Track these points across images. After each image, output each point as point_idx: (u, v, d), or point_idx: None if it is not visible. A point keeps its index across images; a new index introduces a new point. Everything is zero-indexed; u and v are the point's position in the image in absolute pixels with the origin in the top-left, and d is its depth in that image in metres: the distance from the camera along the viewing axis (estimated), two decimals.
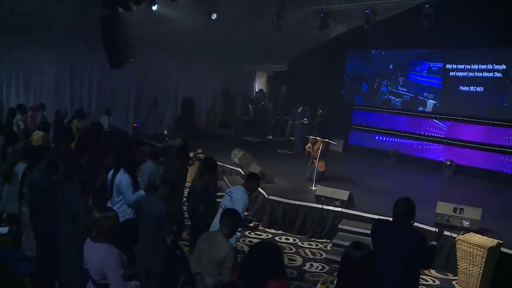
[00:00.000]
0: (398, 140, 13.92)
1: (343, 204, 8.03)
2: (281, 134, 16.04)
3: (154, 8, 10.78)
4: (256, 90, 18.31)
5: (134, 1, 9.00)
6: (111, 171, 5.55)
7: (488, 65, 11.82)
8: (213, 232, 4.24)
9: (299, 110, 14.24)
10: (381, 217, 4.52)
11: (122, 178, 5.34)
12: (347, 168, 12.37)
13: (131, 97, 14.96)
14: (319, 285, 3.12)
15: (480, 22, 10.56)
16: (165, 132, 13.95)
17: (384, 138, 14.34)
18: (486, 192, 10.41)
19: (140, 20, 10.80)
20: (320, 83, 14.92)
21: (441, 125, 12.89)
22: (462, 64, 12.32)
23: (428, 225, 7.29)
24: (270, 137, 15.48)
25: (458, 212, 7.14)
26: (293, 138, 14.87)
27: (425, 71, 13.47)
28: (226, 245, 3.94)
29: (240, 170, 10.81)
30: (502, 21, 9.99)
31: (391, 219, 4.32)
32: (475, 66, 12.03)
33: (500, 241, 6.45)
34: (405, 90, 14.03)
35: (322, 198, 8.19)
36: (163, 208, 4.68)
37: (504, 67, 11.55)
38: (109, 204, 5.43)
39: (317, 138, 9.91)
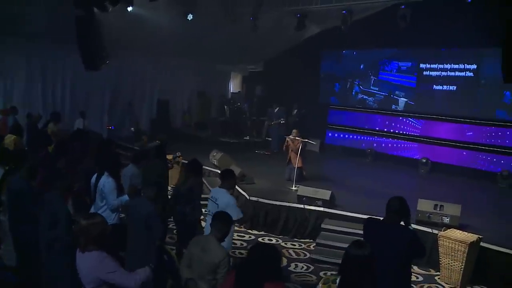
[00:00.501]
0: (374, 139, 14.11)
1: (325, 203, 8.07)
2: (257, 134, 16.04)
3: (130, 9, 10.58)
4: (231, 91, 18.29)
5: (110, 1, 8.80)
6: (95, 175, 5.41)
7: (460, 65, 12.10)
8: (205, 236, 4.17)
9: (276, 110, 14.27)
10: (373, 216, 4.52)
11: (106, 182, 5.21)
12: (325, 168, 12.48)
13: (105, 99, 14.69)
14: (320, 284, 3.12)
15: (452, 23, 10.83)
16: (132, 129, 13.82)
17: (360, 137, 14.52)
18: (462, 189, 10.63)
19: (114, 20, 10.61)
20: (296, 83, 15.01)
21: (416, 124, 13.13)
22: (435, 64, 12.57)
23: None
24: (247, 137, 15.46)
25: (438, 209, 7.27)
26: (269, 139, 14.89)
27: (395, 70, 13.74)
28: (220, 250, 3.87)
29: (219, 171, 10.71)
30: (474, 22, 10.23)
31: (380, 217, 4.35)
32: (448, 66, 12.30)
33: (480, 236, 6.60)
34: (377, 89, 14.25)
35: (304, 198, 8.21)
36: (151, 209, 4.59)
37: (475, 66, 11.85)
38: (92, 209, 5.31)
39: (296, 138, 9.93)
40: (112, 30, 10.25)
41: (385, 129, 13.88)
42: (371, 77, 14.42)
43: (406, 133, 13.37)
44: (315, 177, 10.45)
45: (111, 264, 3.23)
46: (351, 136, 14.78)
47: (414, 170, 12.43)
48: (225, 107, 16.26)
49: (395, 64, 13.73)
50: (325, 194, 8.11)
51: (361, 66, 14.70)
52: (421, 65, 12.89)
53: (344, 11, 10.63)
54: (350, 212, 7.99)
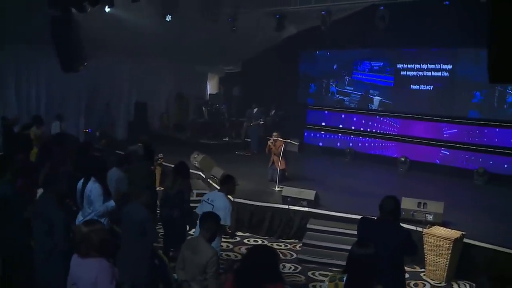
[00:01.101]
0: (353, 138, 14.26)
1: (310, 204, 8.11)
2: (236, 135, 15.99)
3: (108, 9, 10.41)
4: (209, 92, 18.21)
5: (90, 2, 8.62)
6: (81, 181, 5.28)
7: (436, 65, 12.34)
8: (195, 238, 4.18)
9: (254, 111, 14.26)
10: (366, 216, 4.57)
11: (93, 187, 5.10)
12: (305, 168, 12.55)
13: (82, 102, 14.41)
14: (327, 282, 3.14)
15: (428, 24, 11.05)
16: (97, 134, 13.64)
17: (339, 137, 14.65)
18: (440, 186, 10.81)
19: (90, 21, 10.42)
20: (274, 84, 15.04)
21: (394, 123, 13.33)
22: (412, 64, 12.79)
23: None
24: (226, 139, 15.40)
25: (422, 207, 7.40)
26: (249, 140, 14.88)
27: (367, 70, 13.97)
28: (208, 250, 3.91)
29: (201, 173, 10.67)
30: (449, 23, 10.44)
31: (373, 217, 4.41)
32: (424, 66, 12.53)
33: (463, 232, 6.75)
34: (352, 89, 14.43)
35: (289, 199, 8.24)
36: (146, 214, 4.53)
37: (451, 66, 12.11)
38: (79, 215, 5.19)
39: (279, 138, 9.96)
40: (88, 31, 10.07)
41: (363, 129, 14.05)
42: (345, 77, 14.60)
43: (384, 132, 13.57)
44: (297, 178, 10.51)
45: (109, 279, 3.16)
46: (329, 136, 14.90)
47: (393, 168, 12.61)
48: (204, 108, 16.17)
49: (368, 64, 13.96)
50: (310, 194, 8.16)
51: (335, 66, 14.89)
52: (398, 65, 13.09)
53: (323, 12, 10.68)
54: (334, 211, 8.06)
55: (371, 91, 13.88)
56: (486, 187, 11.03)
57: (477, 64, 11.52)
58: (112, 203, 5.15)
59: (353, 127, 14.33)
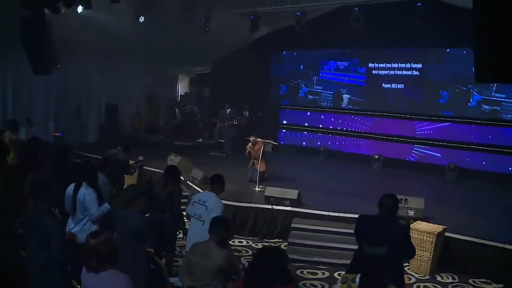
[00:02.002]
0: (326, 137, 14.46)
1: (293, 203, 8.16)
2: (209, 136, 15.93)
3: (80, 10, 10.15)
4: (180, 93, 18.05)
5: (64, 2, 8.39)
6: (71, 186, 5.12)
7: (406, 64, 12.67)
8: (203, 243, 4.09)
9: (228, 111, 14.22)
10: (366, 214, 4.63)
11: (86, 193, 4.96)
12: (281, 168, 12.58)
13: (51, 105, 14.01)
14: (339, 284, 3.16)
15: (398, 24, 11.30)
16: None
17: (312, 136, 14.83)
18: (414, 182, 11.14)
19: (59, 22, 10.14)
20: (245, 85, 15.04)
21: (366, 121, 13.59)
22: (383, 63, 13.09)
23: None
24: (200, 140, 15.30)
25: (403, 203, 7.54)
26: (222, 140, 14.84)
27: (333, 69, 14.30)
28: (221, 252, 3.91)
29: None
30: (418, 24, 10.71)
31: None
32: (395, 65, 12.84)
33: (445, 226, 6.97)
34: (321, 88, 14.65)
35: (272, 199, 8.27)
36: (142, 220, 4.44)
37: (421, 65, 12.46)
38: (70, 222, 5.04)
39: (258, 139, 9.98)
40: (57, 32, 9.80)
41: (337, 127, 14.27)
42: (313, 77, 14.81)
43: (357, 131, 13.81)
44: (274, 177, 10.54)
45: (128, 284, 3.12)
46: (303, 135, 15.05)
47: (367, 166, 12.86)
48: (176, 110, 16.00)
49: (334, 63, 14.27)
50: (293, 193, 8.21)
51: (301, 67, 15.14)
52: (370, 65, 13.36)
53: (298, 13, 10.77)
54: (317, 210, 8.14)
55: (342, 90, 14.12)
56: (457, 182, 11.41)
57: (444, 64, 11.94)
58: (107, 206, 5.05)
59: (326, 126, 14.53)
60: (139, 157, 8.78)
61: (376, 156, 12.78)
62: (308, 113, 14.99)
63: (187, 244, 5.37)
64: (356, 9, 9.93)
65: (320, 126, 14.69)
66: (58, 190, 5.20)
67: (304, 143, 15.04)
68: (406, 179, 11.42)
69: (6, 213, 4.24)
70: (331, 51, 14.26)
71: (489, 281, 6.68)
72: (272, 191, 8.36)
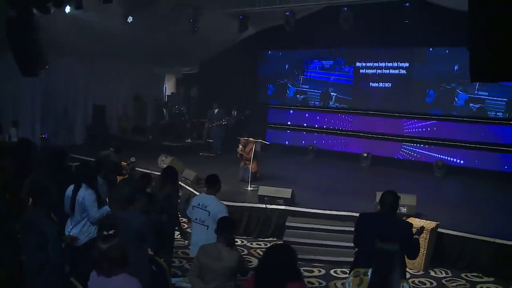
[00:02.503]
0: (315, 136, 14.56)
1: (286, 202, 8.21)
2: (198, 137, 15.90)
3: (68, 10, 10.04)
4: (167, 94, 17.98)
5: (54, 2, 8.29)
6: (71, 187, 5.09)
7: (393, 63, 12.84)
8: (212, 245, 4.09)
9: (216, 111, 14.22)
10: (365, 212, 4.71)
11: (86, 194, 4.93)
12: (271, 167, 12.60)
13: (36, 106, 13.83)
14: (351, 278, 3.22)
15: (385, 24, 11.46)
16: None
17: (301, 135, 14.92)
18: (403, 180, 11.28)
19: (45, 22, 10.03)
20: (234, 84, 15.06)
21: (355, 120, 13.74)
22: (371, 62, 13.24)
23: None
24: (189, 140, 15.25)
25: None
26: (211, 140, 14.83)
27: (318, 68, 14.51)
28: (232, 253, 3.96)
29: None
30: (404, 23, 10.87)
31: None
32: (383, 64, 13.01)
33: (437, 222, 7.10)
34: (307, 87, 14.81)
35: (266, 198, 8.30)
36: (144, 220, 4.44)
37: (408, 64, 12.65)
38: (69, 224, 5.01)
39: (249, 139, 10.01)
40: (43, 32, 9.68)
41: (325, 126, 14.38)
42: (300, 76, 14.94)
43: (345, 129, 13.95)
44: (265, 177, 10.57)
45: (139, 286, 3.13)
46: (291, 135, 15.13)
47: (356, 164, 13.00)
48: (164, 110, 15.94)
49: (319, 62, 14.49)
50: (286, 192, 8.26)
51: (286, 66, 15.31)
52: (357, 64, 13.50)
53: (287, 13, 10.82)
54: (310, 208, 8.21)
55: (330, 90, 14.24)
56: (445, 179, 11.61)
57: (429, 63, 12.15)
58: (107, 208, 5.03)
59: (314, 125, 14.63)
60: (131, 159, 8.74)
61: (365, 154, 12.93)
62: (295, 112, 15.11)
63: (192, 250, 5.33)
64: (346, 9, 10.00)
65: (308, 125, 14.80)
66: (56, 192, 5.17)
67: (290, 142, 15.15)
68: (395, 176, 11.56)
69: (5, 218, 4.17)
70: (318, 51, 14.39)
71: (480, 275, 6.85)
72: (265, 190, 8.40)
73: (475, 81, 4.79)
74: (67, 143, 14.00)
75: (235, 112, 15.11)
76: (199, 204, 5.27)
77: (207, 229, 5.16)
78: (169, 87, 18.42)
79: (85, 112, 15.26)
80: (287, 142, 15.18)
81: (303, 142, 14.76)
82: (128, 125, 16.45)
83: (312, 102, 14.68)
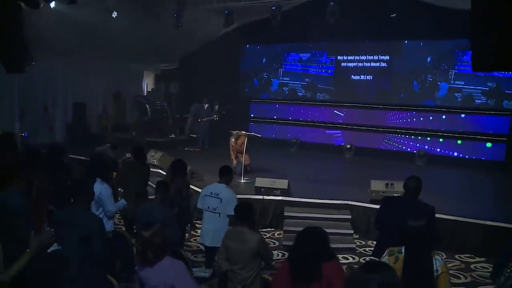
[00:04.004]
0: (298, 129, 14.80)
1: (283, 192, 8.39)
2: (180, 132, 15.91)
3: (53, 5, 9.90)
4: (146, 90, 17.87)
5: None
6: None
7: (374, 56, 13.19)
8: (237, 229, 4.28)
9: (206, 106, 14.29)
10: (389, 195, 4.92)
11: (102, 188, 4.95)
12: (259, 160, 12.77)
13: (15, 105, 13.52)
14: (387, 257, 3.40)
15: (366, 17, 11.73)
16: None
17: (284, 128, 15.13)
18: (387, 169, 11.58)
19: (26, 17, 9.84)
20: (214, 79, 15.12)
21: (337, 112, 14.04)
22: (352, 56, 13.54)
23: (364, 203, 8.09)
24: (172, 136, 15.26)
25: (390, 187, 7.96)
26: (194, 135, 14.88)
27: (296, 61, 14.85)
28: (255, 235, 4.17)
29: (160, 171, 10.55)
30: (384, 17, 11.18)
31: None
32: (364, 57, 13.34)
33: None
34: (288, 79, 15.07)
35: (262, 189, 8.46)
36: (167, 212, 4.52)
37: (388, 57, 13.02)
38: None
39: (241, 132, 10.14)
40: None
41: (308, 119, 14.65)
42: (280, 69, 15.18)
43: (328, 122, 14.24)
44: (255, 169, 10.71)
45: (184, 269, 3.22)
46: (274, 128, 15.32)
47: (339, 155, 13.32)
48: (147, 106, 15.86)
49: (297, 55, 14.80)
50: (283, 183, 8.44)
51: (263, 60, 15.55)
52: (339, 57, 13.80)
53: (273, 7, 10.97)
54: (306, 198, 8.42)
55: (312, 83, 14.49)
56: (427, 167, 12.02)
57: (412, 55, 12.56)
58: (123, 202, 5.08)
59: (297, 118, 14.87)
60: (126, 155, 8.75)
61: (348, 146, 13.25)
62: (277, 106, 15.30)
63: (203, 237, 5.46)
64: (332, 3, 10.21)
65: (291, 118, 15.02)
66: (55, 190, 5.18)
67: (273, 135, 15.31)
68: (379, 166, 11.88)
69: (23, 217, 4.11)
70: (300, 44, 14.60)
71: (472, 255, 7.20)
72: (262, 181, 8.55)
73: (476, 70, 5.05)
74: (47, 142, 13.75)
75: (217, 107, 15.19)
76: (211, 193, 5.41)
77: (219, 216, 5.33)
78: (148, 84, 18.31)
79: (65, 110, 15.01)
80: (269, 136, 15.33)
81: (287, 134, 14.96)
82: (109, 122, 16.27)
83: (297, 95, 14.86)
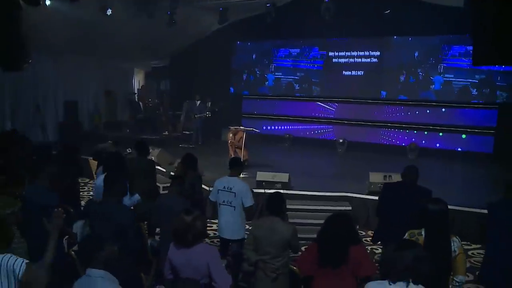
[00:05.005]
0: (290, 124, 15.02)
1: (284, 186, 8.57)
2: (173, 129, 15.98)
3: (48, 3, 9.89)
4: (137, 87, 17.90)
5: None
6: (101, 177, 5.20)
7: (365, 52, 13.46)
8: (266, 219, 4.35)
9: (198, 103, 14.39)
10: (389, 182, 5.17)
11: None
12: (255, 155, 12.96)
13: (6, 103, 13.45)
14: (408, 238, 3.61)
15: (357, 13, 11.96)
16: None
17: (276, 124, 15.33)
18: (379, 162, 11.86)
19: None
20: (207, 76, 15.22)
21: (329, 107, 14.28)
22: (343, 51, 13.79)
23: (362, 194, 8.34)
24: (166, 133, 15.33)
25: (388, 179, 8.20)
26: (187, 132, 14.96)
27: (285, 55, 15.05)
28: (288, 225, 4.27)
29: (160, 167, 10.63)
30: (376, 13, 11.43)
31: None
32: (355, 53, 13.60)
33: None
34: (280, 74, 15.27)
35: (264, 183, 8.62)
36: (186, 204, 4.64)
37: (379, 53, 13.30)
38: None
39: (240, 128, 10.29)
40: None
41: (300, 114, 14.84)
42: (271, 65, 15.35)
43: (320, 117, 14.47)
44: (252, 164, 10.89)
45: (217, 255, 3.41)
46: (267, 124, 15.49)
47: (332, 150, 13.57)
48: (140, 103, 15.91)
49: (286, 51, 15.04)
50: (284, 177, 8.62)
51: (254, 56, 15.75)
52: (330, 53, 14.03)
53: (268, 4, 11.12)
54: (306, 191, 8.63)
55: (306, 78, 14.69)
56: (419, 160, 12.33)
57: (402, 51, 12.85)
58: (137, 196, 5.18)
59: (289, 113, 15.06)
60: (127, 150, 8.84)
61: (341, 140, 13.50)
62: (270, 102, 15.47)
63: (221, 230, 5.55)
64: (327, 0, 10.39)
65: (283, 113, 15.20)
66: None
67: (268, 131, 15.47)
68: (372, 160, 12.16)
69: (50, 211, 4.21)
70: (291, 40, 14.79)
71: (469, 243, 7.49)
72: (263, 175, 8.72)
73: (477, 65, 5.32)
74: (40, 140, 13.71)
75: (209, 103, 15.28)
76: (224, 187, 5.50)
77: (234, 209, 5.45)
78: (139, 81, 18.33)
79: (56, 108, 14.95)
80: (262, 131, 15.48)
81: (279, 130, 15.13)
82: (101, 120, 16.26)
83: (296, 87, 15.02)
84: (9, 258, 3.05)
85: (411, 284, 2.70)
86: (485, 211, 7.53)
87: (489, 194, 9.21)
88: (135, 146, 6.85)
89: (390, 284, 2.72)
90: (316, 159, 12.49)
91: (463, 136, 12.37)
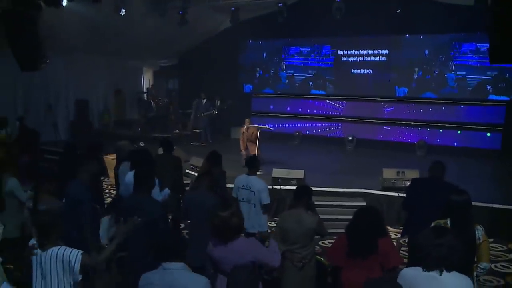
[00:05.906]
0: (300, 122, 15.20)
1: (299, 182, 8.71)
2: (183, 127, 16.15)
3: (65, 3, 10.05)
4: (146, 86, 18.07)
5: None
6: (130, 174, 5.37)
7: (374, 50, 13.61)
8: (294, 211, 4.54)
9: (204, 102, 14.55)
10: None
11: None
12: (266, 152, 13.12)
13: (18, 103, 13.65)
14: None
15: (366, 12, 12.10)
16: None
17: (286, 122, 15.50)
18: (388, 159, 11.98)
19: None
20: (216, 75, 15.35)
21: (338, 105, 14.45)
22: (352, 50, 13.95)
23: (377, 190, 8.52)
24: (177, 131, 15.51)
25: (400, 175, 8.39)
26: (197, 130, 15.13)
27: (296, 55, 15.24)
28: (312, 216, 4.46)
29: None
30: (385, 12, 11.55)
31: None
32: (364, 52, 13.75)
33: None
34: (292, 72, 15.40)
35: (279, 180, 8.82)
36: (217, 199, 4.80)
37: (388, 51, 13.45)
38: None
39: (254, 125, 10.49)
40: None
41: (309, 112, 15.05)
42: (282, 63, 15.47)
43: (330, 115, 14.65)
44: (265, 161, 11.04)
45: (258, 243, 3.53)
46: (276, 122, 15.63)
47: (341, 147, 13.74)
48: (152, 102, 16.08)
49: (297, 49, 15.20)
50: (299, 173, 8.81)
51: (264, 54, 15.92)
52: (339, 52, 14.18)
53: (280, 4, 11.25)
54: (321, 187, 8.80)
55: (316, 76, 14.85)
56: (428, 157, 12.45)
57: (412, 49, 13.00)
58: (167, 191, 5.34)
59: (299, 111, 15.24)
60: (140, 143, 9.04)
61: (350, 137, 13.67)
62: (279, 100, 15.63)
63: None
64: (338, 0, 10.52)
65: (293, 111, 15.37)
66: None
67: (277, 129, 15.55)
68: (382, 157, 12.29)
69: (86, 206, 4.43)
70: (301, 39, 14.93)
71: None
72: (279, 172, 8.91)
73: (494, 62, 5.50)
74: (53, 140, 13.89)
75: (218, 102, 15.45)
76: (243, 186, 5.73)
77: (254, 207, 5.67)
78: (148, 80, 18.50)
79: (67, 107, 15.14)
80: (274, 127, 15.64)
81: (289, 128, 15.29)
82: (111, 119, 16.44)
83: (300, 89, 15.22)
84: (65, 250, 3.24)
85: (444, 271, 2.83)
86: (495, 205, 7.82)
87: (502, 189, 9.48)
88: (161, 144, 7.04)
89: (424, 271, 2.87)
90: (327, 156, 12.66)
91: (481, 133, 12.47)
